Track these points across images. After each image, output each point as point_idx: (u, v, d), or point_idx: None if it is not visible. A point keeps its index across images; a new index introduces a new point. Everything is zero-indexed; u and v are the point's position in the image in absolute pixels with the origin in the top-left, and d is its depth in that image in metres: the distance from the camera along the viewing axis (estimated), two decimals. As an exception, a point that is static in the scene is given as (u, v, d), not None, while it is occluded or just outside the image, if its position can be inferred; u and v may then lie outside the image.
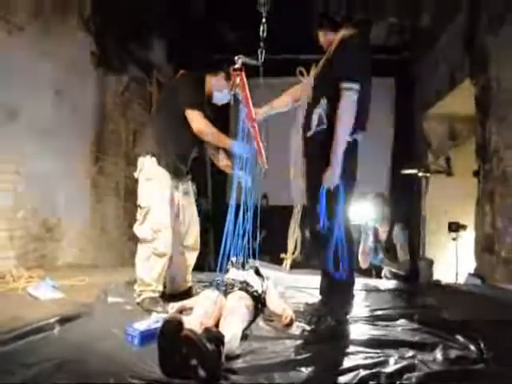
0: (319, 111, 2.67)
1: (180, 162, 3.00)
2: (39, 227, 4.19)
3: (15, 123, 3.84)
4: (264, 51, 2.96)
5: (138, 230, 2.89)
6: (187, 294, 3.09)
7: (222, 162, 3.26)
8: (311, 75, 2.87)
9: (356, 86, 2.53)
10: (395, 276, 4.10)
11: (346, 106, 2.53)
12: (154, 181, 2.88)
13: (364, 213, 4.12)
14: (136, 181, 3.01)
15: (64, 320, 2.40)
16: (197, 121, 2.87)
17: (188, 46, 6.65)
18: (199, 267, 3.57)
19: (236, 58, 2.64)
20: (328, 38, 2.81)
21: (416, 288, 3.72)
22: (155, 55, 6.60)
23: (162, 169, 2.89)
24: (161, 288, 2.90)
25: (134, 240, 3.01)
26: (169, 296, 2.98)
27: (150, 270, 2.84)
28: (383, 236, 4.30)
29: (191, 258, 3.19)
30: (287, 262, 3.02)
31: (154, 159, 2.88)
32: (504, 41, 4.01)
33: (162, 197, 2.87)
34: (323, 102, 2.65)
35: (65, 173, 4.59)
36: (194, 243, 3.18)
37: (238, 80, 2.61)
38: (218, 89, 3.07)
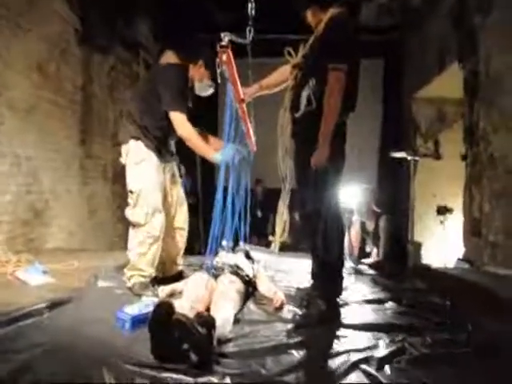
0: (308, 92, 2.63)
1: (164, 144, 2.98)
2: (26, 211, 4.13)
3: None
4: (252, 30, 2.90)
5: (131, 214, 2.86)
6: (178, 277, 3.08)
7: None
8: (299, 55, 2.83)
9: (344, 66, 2.49)
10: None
11: (334, 86, 2.50)
12: (143, 164, 2.85)
13: (351, 205, 4.23)
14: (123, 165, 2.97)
15: (54, 305, 2.39)
16: (181, 126, 2.84)
17: (175, 25, 6.53)
18: (189, 250, 3.56)
19: (222, 35, 2.58)
20: (316, 18, 2.76)
21: (405, 272, 3.77)
22: (142, 35, 6.49)
23: (150, 151, 2.87)
24: (152, 272, 2.88)
25: (124, 223, 2.97)
26: (160, 279, 2.96)
27: (144, 254, 2.82)
28: (370, 228, 4.39)
29: (182, 239, 3.19)
30: (276, 245, 3.02)
31: (139, 142, 2.86)
32: (493, 22, 3.98)
33: (152, 179, 2.85)
34: (312, 82, 2.62)
35: (51, 154, 4.52)
36: (183, 223, 3.18)
37: (224, 57, 2.55)
38: (199, 78, 3.02)
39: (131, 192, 2.86)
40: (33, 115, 4.22)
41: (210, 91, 3.10)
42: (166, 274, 3.11)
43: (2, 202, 3.80)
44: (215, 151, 2.86)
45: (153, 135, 2.88)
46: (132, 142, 2.87)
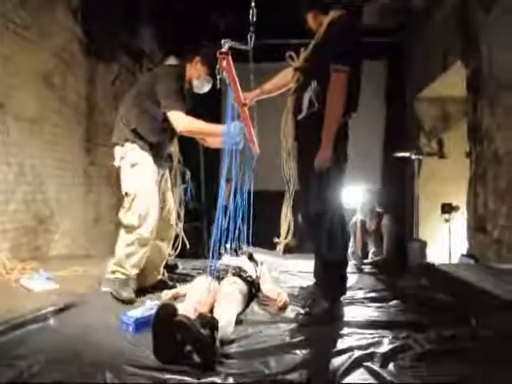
0: (310, 94, 2.64)
1: (159, 149, 2.94)
2: (32, 219, 4.16)
3: (3, 113, 3.79)
4: (253, 36, 2.92)
5: (125, 216, 2.80)
6: (159, 286, 3.02)
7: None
8: (301, 58, 2.84)
9: (346, 68, 2.50)
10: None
11: (337, 87, 2.51)
12: (139, 166, 2.82)
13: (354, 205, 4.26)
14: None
15: (58, 311, 2.41)
16: (179, 121, 2.80)
17: (178, 32, 6.57)
18: (193, 254, 3.57)
19: (223, 41, 2.60)
20: (317, 21, 2.78)
21: (409, 270, 3.76)
22: (145, 44, 6.53)
23: (146, 153, 2.84)
24: (134, 275, 2.81)
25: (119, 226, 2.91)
26: (139, 288, 2.88)
27: (131, 255, 2.77)
28: (372, 227, 4.40)
29: (166, 247, 3.14)
30: (280, 247, 3.02)
31: (135, 145, 2.83)
32: (496, 21, 3.98)
33: (148, 182, 2.82)
34: (313, 84, 2.63)
35: (56, 163, 4.56)
36: (170, 232, 3.15)
37: (224, 63, 2.57)
38: (196, 76, 3.01)
39: (127, 194, 2.81)
40: (38, 125, 4.26)
41: (208, 87, 3.08)
42: (147, 282, 3.03)
43: (7, 210, 3.83)
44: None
45: (146, 138, 2.85)
46: (128, 145, 2.84)
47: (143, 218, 2.76)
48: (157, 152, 2.92)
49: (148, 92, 2.86)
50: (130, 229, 2.78)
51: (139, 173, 2.82)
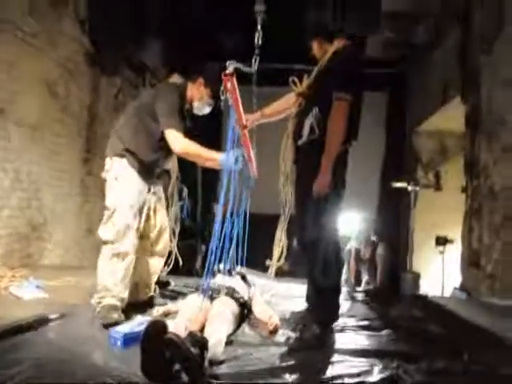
0: (311, 120, 2.67)
1: (150, 166, 2.85)
2: (25, 226, 4.14)
3: (4, 118, 3.80)
4: (258, 59, 2.96)
5: (102, 230, 2.72)
6: (149, 303, 2.96)
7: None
8: (304, 85, 2.88)
9: (348, 96, 2.54)
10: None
11: (338, 115, 2.54)
12: (122, 182, 2.74)
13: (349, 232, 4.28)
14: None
15: (46, 320, 2.39)
16: (176, 142, 2.72)
17: (183, 50, 6.65)
18: (187, 272, 3.54)
19: (228, 63, 2.63)
20: (322, 49, 2.83)
21: (401, 300, 3.74)
22: (149, 58, 6.60)
23: (132, 170, 2.75)
24: (123, 295, 2.65)
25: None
26: (129, 304, 2.74)
27: (111, 272, 2.63)
28: (366, 256, 4.42)
29: (157, 264, 3.06)
30: (272, 270, 3.01)
31: (123, 160, 2.75)
32: (497, 59, 4.05)
33: (128, 198, 2.72)
34: (315, 111, 2.65)
35: (54, 172, 4.56)
36: (163, 249, 3.06)
37: (229, 85, 2.60)
38: (198, 98, 2.96)
39: (107, 208, 2.73)
40: (39, 132, 4.28)
41: (209, 110, 3.05)
42: (138, 298, 2.94)
43: (1, 216, 3.81)
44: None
45: (138, 156, 2.76)
46: (116, 159, 2.76)
47: (121, 233, 2.65)
48: (148, 169, 2.84)
49: (148, 108, 2.81)
50: (106, 243, 2.68)
51: (123, 188, 2.73)
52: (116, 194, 2.73)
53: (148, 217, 2.91)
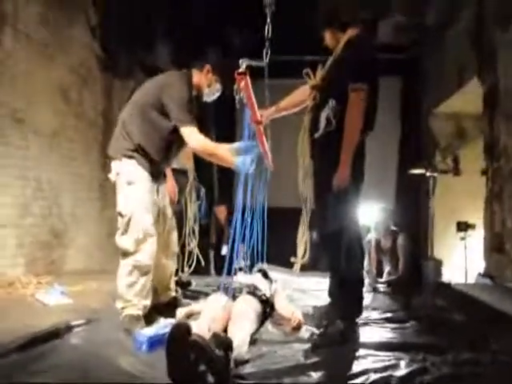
0: (327, 112, 2.64)
1: (160, 165, 2.74)
2: (47, 233, 4.20)
3: (21, 128, 3.86)
4: (269, 52, 2.93)
5: (120, 240, 2.58)
6: (172, 304, 2.91)
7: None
8: (318, 76, 2.84)
9: (364, 86, 2.51)
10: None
11: (356, 106, 2.51)
12: (136, 185, 2.59)
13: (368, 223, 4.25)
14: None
15: (72, 327, 2.42)
16: (193, 139, 2.60)
17: (193, 49, 6.63)
18: (206, 271, 3.55)
19: (240, 61, 2.60)
20: (334, 39, 2.79)
21: (425, 290, 3.71)
22: (161, 60, 6.60)
23: (144, 171, 2.62)
24: (145, 303, 2.57)
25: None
26: (152, 307, 2.68)
27: (131, 285, 2.52)
28: (387, 246, 4.38)
29: (172, 265, 2.99)
30: (297, 267, 2.97)
31: (133, 161, 2.61)
32: (512, 37, 3.95)
33: (145, 202, 2.60)
34: (331, 103, 2.62)
35: (72, 178, 4.61)
36: (174, 250, 3.00)
37: (242, 84, 2.58)
38: (207, 84, 2.84)
39: (120, 215, 2.60)
40: (56, 140, 4.33)
41: (217, 95, 2.95)
42: (161, 301, 2.90)
43: (23, 224, 3.88)
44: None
45: (149, 154, 2.64)
46: (125, 161, 2.62)
47: (139, 242, 2.53)
48: (157, 168, 2.73)
49: (154, 102, 2.65)
50: (126, 254, 2.55)
51: (135, 192, 2.59)
52: (129, 198, 2.59)
53: (158, 219, 2.81)
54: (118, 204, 2.64)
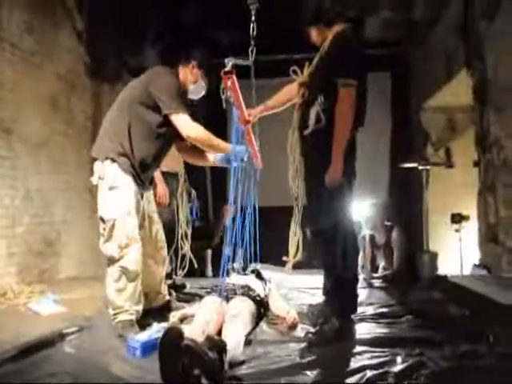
0: (316, 109, 2.62)
1: (145, 169, 2.63)
2: (39, 242, 4.16)
3: (9, 139, 3.82)
4: (255, 50, 2.90)
5: (104, 247, 2.52)
6: (166, 308, 2.88)
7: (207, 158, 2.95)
8: (305, 73, 2.82)
9: (353, 82, 2.49)
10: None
11: (345, 102, 2.48)
12: (118, 189, 2.50)
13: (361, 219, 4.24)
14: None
15: (65, 335, 2.39)
16: (187, 126, 2.55)
17: (180, 50, 6.61)
18: (200, 273, 3.53)
19: (226, 60, 2.58)
20: (321, 35, 2.77)
21: (421, 283, 3.70)
22: (148, 61, 6.57)
23: (127, 176, 2.53)
24: (137, 308, 2.53)
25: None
26: (145, 311, 2.65)
27: (120, 291, 2.47)
28: (381, 241, 4.37)
29: (162, 270, 2.91)
30: (289, 265, 2.95)
31: (115, 165, 2.52)
32: (500, 28, 3.94)
33: (128, 207, 2.51)
34: (320, 99, 2.60)
35: (63, 185, 4.58)
36: (163, 254, 2.92)
37: (229, 83, 2.56)
38: (192, 80, 2.78)
39: (102, 220, 2.52)
40: (45, 148, 4.29)
41: (203, 92, 2.90)
42: (153, 306, 2.84)
43: (15, 234, 3.84)
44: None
45: (133, 156, 2.55)
46: (107, 164, 2.53)
47: (123, 248, 2.46)
48: (141, 172, 2.61)
49: (142, 95, 2.58)
50: (111, 261, 2.49)
51: (118, 197, 2.51)
52: (112, 203, 2.51)
53: (144, 224, 2.74)
54: (99, 209, 2.56)
